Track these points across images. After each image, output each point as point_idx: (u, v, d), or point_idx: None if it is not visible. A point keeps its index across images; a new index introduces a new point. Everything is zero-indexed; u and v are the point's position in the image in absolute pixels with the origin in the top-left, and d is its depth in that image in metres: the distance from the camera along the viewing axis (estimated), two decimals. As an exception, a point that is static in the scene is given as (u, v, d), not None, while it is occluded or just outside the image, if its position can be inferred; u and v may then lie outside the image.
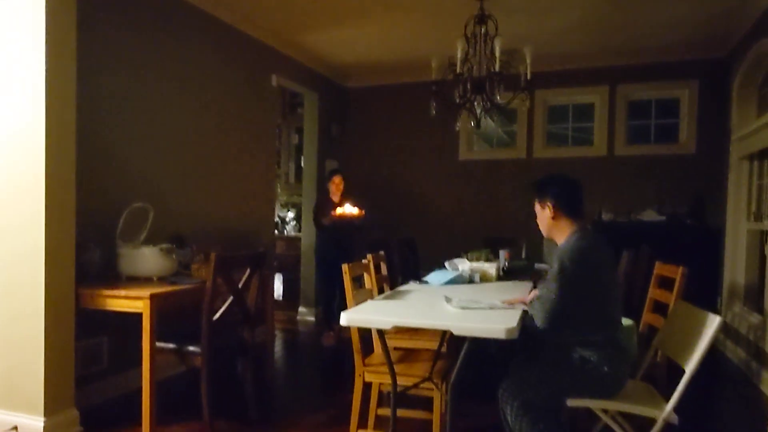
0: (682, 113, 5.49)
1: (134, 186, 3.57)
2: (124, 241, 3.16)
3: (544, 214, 2.36)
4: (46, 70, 2.62)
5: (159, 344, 2.84)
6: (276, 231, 5.69)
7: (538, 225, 2.43)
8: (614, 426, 2.18)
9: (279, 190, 7.76)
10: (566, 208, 2.30)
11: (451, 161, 6.20)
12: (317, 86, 5.97)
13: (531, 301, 2.28)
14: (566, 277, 2.12)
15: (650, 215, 5.24)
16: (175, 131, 3.96)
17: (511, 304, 2.40)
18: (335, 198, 5.09)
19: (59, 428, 2.72)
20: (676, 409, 2.00)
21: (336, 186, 5.12)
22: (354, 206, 4.86)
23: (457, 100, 3.97)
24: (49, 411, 2.68)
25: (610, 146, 5.64)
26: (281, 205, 8.11)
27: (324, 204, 5.11)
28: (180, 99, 4.01)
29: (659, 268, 2.92)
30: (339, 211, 4.83)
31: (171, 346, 2.88)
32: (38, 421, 2.66)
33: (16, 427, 2.70)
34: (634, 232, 4.97)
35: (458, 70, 3.78)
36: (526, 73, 3.81)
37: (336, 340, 4.91)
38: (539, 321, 2.14)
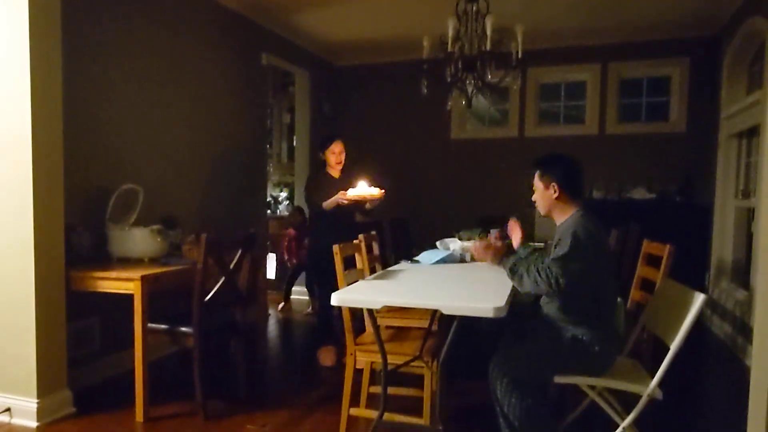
0: (672, 91, 5.49)
1: (124, 168, 3.55)
2: (115, 222, 3.15)
3: (547, 194, 2.36)
4: (31, 52, 2.58)
5: (151, 325, 2.86)
6: (269, 211, 5.64)
7: (534, 200, 2.43)
8: (601, 402, 2.23)
9: (271, 169, 7.73)
10: (570, 189, 2.33)
11: (443, 140, 6.18)
12: (308, 65, 5.91)
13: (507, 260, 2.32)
14: (579, 246, 2.12)
15: (640, 193, 5.27)
16: (164, 111, 3.92)
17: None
18: (334, 173, 3.93)
19: (52, 409, 2.75)
20: (661, 384, 2.04)
21: (336, 156, 3.89)
22: (371, 185, 3.68)
23: (449, 79, 3.93)
24: (42, 392, 2.70)
25: (601, 124, 5.64)
26: (273, 185, 8.10)
27: (321, 181, 3.88)
28: (169, 79, 3.95)
29: (647, 246, 2.94)
30: (352, 193, 3.57)
31: (163, 326, 2.89)
32: (32, 403, 2.68)
33: (9, 409, 2.72)
34: (624, 210, 5.00)
35: (449, 49, 3.74)
36: (518, 52, 3.78)
37: (338, 358, 3.72)
38: (547, 285, 2.09)
